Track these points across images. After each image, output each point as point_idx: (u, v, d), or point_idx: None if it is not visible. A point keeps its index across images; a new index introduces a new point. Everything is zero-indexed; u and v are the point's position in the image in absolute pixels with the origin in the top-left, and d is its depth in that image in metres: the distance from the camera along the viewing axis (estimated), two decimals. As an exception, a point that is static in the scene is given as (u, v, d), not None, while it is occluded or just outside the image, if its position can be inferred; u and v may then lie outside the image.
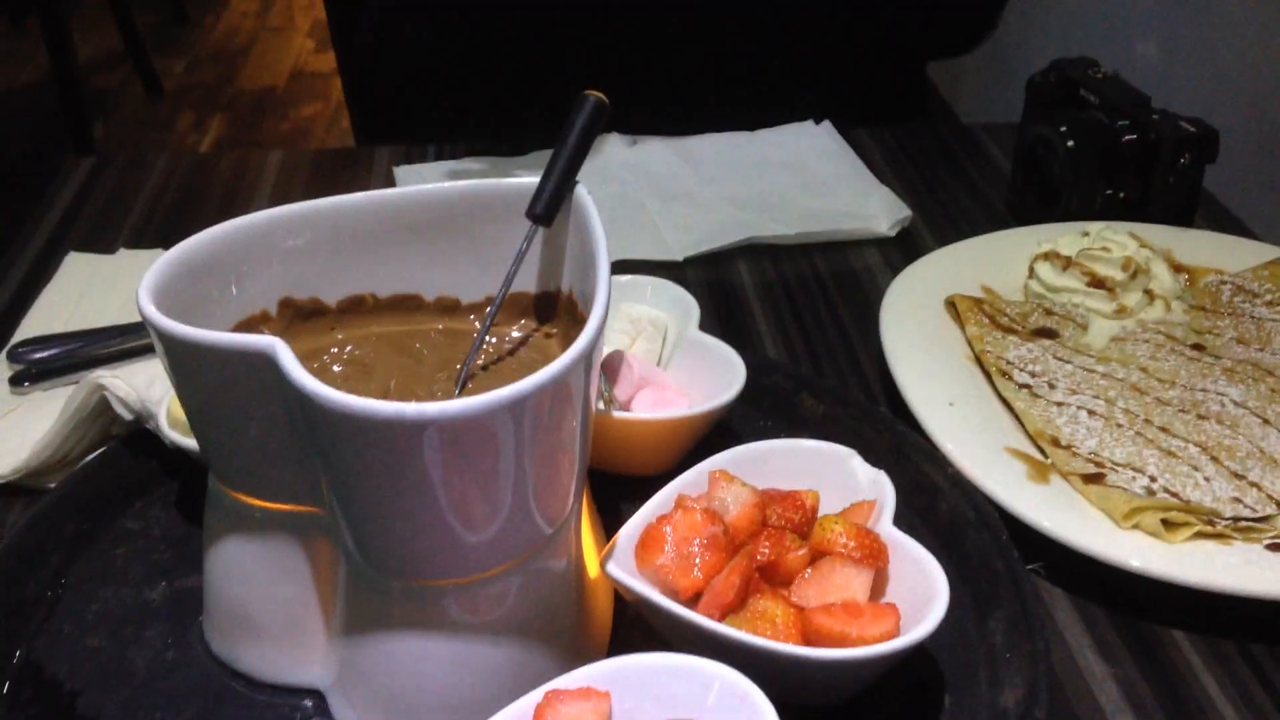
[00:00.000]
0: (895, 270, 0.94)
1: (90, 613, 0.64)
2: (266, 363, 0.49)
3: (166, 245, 0.95)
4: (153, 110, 3.91)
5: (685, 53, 1.18)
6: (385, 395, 0.60)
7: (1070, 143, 0.96)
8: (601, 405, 0.71)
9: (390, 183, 1.09)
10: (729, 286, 0.96)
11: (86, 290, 0.88)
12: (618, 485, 0.70)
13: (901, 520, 0.63)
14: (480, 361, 0.63)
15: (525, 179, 0.64)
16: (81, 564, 0.67)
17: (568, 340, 0.64)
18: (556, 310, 0.66)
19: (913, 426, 0.74)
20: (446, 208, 0.64)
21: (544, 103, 1.18)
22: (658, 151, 1.14)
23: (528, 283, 0.66)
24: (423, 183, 1.05)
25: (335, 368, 0.62)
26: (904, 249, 1.00)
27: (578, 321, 0.63)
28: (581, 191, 0.63)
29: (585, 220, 0.61)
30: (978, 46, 1.24)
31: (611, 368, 0.74)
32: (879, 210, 1.03)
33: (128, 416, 0.70)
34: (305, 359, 0.61)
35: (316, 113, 3.77)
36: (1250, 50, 1.30)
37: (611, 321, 0.79)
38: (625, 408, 0.72)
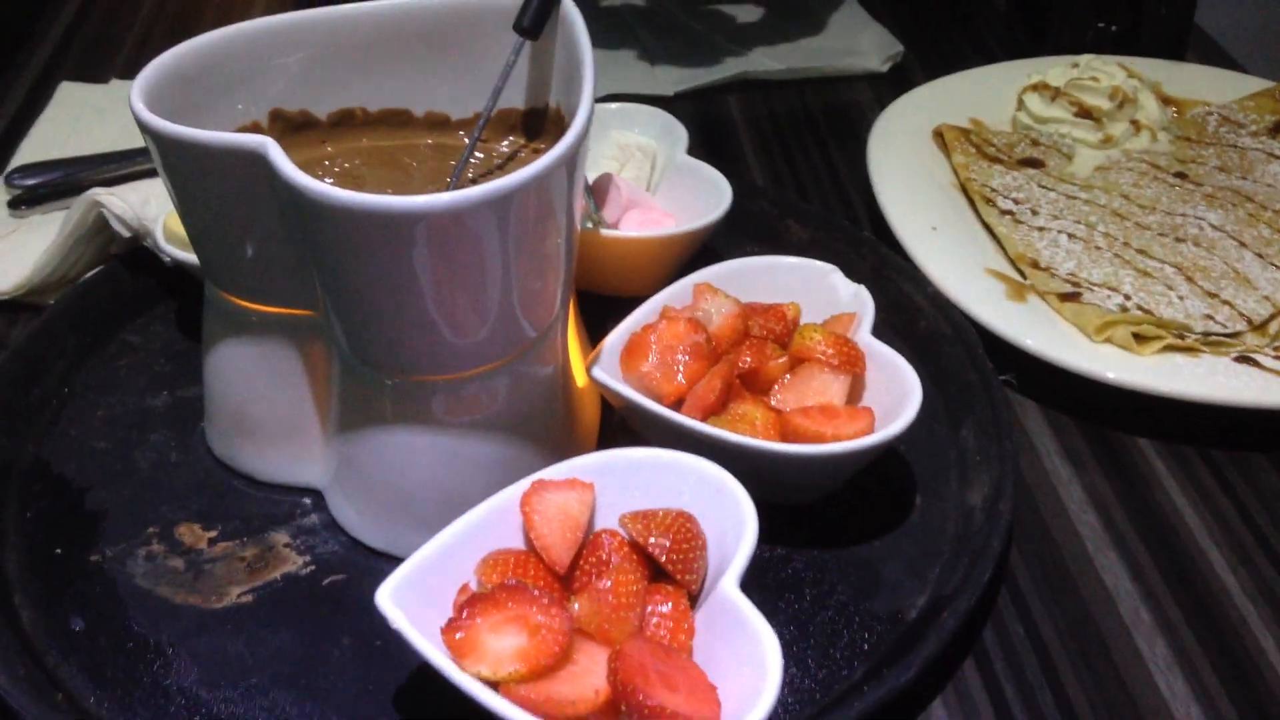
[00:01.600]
0: (885, 105, 0.94)
1: (95, 418, 0.66)
2: (258, 160, 0.51)
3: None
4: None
5: None
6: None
7: (1063, -26, 0.95)
8: (590, 225, 0.73)
9: None
10: (719, 121, 0.96)
11: (80, 119, 0.88)
12: (604, 303, 0.72)
13: (880, 334, 0.65)
14: (469, 175, 0.64)
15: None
16: (85, 373, 0.69)
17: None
18: (544, 125, 0.66)
19: (896, 250, 0.76)
20: (435, 20, 0.64)
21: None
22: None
23: (515, 98, 0.66)
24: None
25: (326, 179, 0.63)
26: (895, 85, 1.00)
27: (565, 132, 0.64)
28: (568, 4, 0.63)
29: (571, 33, 0.62)
30: None
31: (600, 190, 0.75)
32: (871, 46, 1.03)
33: (125, 233, 0.71)
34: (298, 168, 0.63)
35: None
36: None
37: (601, 147, 0.80)
38: (613, 228, 0.74)
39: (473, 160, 0.65)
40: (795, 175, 0.90)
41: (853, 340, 0.62)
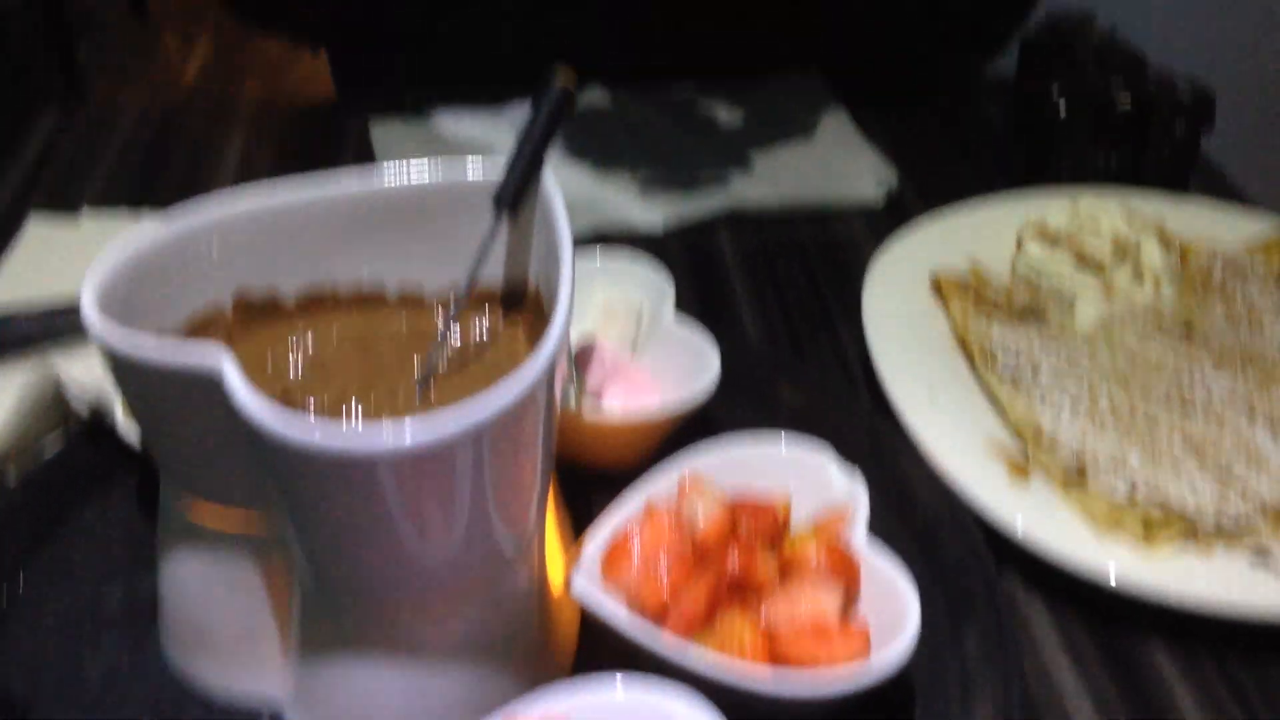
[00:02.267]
0: (880, 239, 0.91)
1: (47, 616, 0.62)
2: (213, 383, 0.47)
3: (133, 205, 0.93)
4: (138, 32, 3.83)
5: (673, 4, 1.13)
6: (343, 400, 0.58)
7: (1063, 105, 0.92)
8: (572, 396, 0.70)
9: (366, 140, 1.06)
10: (710, 256, 0.93)
11: (47, 259, 0.85)
12: (587, 480, 0.68)
13: (877, 519, 0.61)
14: (443, 359, 0.61)
15: (489, 166, 0.61)
16: (40, 562, 0.65)
17: (534, 335, 0.62)
18: (523, 303, 0.63)
19: (893, 415, 0.72)
20: (411, 198, 0.61)
21: (526, 42, 1.15)
22: (644, 104, 1.10)
23: (493, 273, 0.63)
24: (400, 142, 1.04)
25: (292, 366, 0.60)
26: (890, 216, 0.98)
27: (544, 316, 0.61)
28: (548, 180, 0.61)
29: (550, 211, 0.59)
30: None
31: (583, 357, 0.72)
32: (865, 174, 1.00)
33: (83, 413, 0.68)
34: (261, 359, 0.60)
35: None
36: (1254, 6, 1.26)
37: (585, 305, 0.77)
38: (596, 398, 0.70)
39: (449, 343, 0.61)
40: (788, 317, 0.87)
41: (846, 550, 0.59)
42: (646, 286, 0.77)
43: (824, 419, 0.73)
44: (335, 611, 0.53)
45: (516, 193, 0.60)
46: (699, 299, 0.88)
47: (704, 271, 0.92)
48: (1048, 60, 0.98)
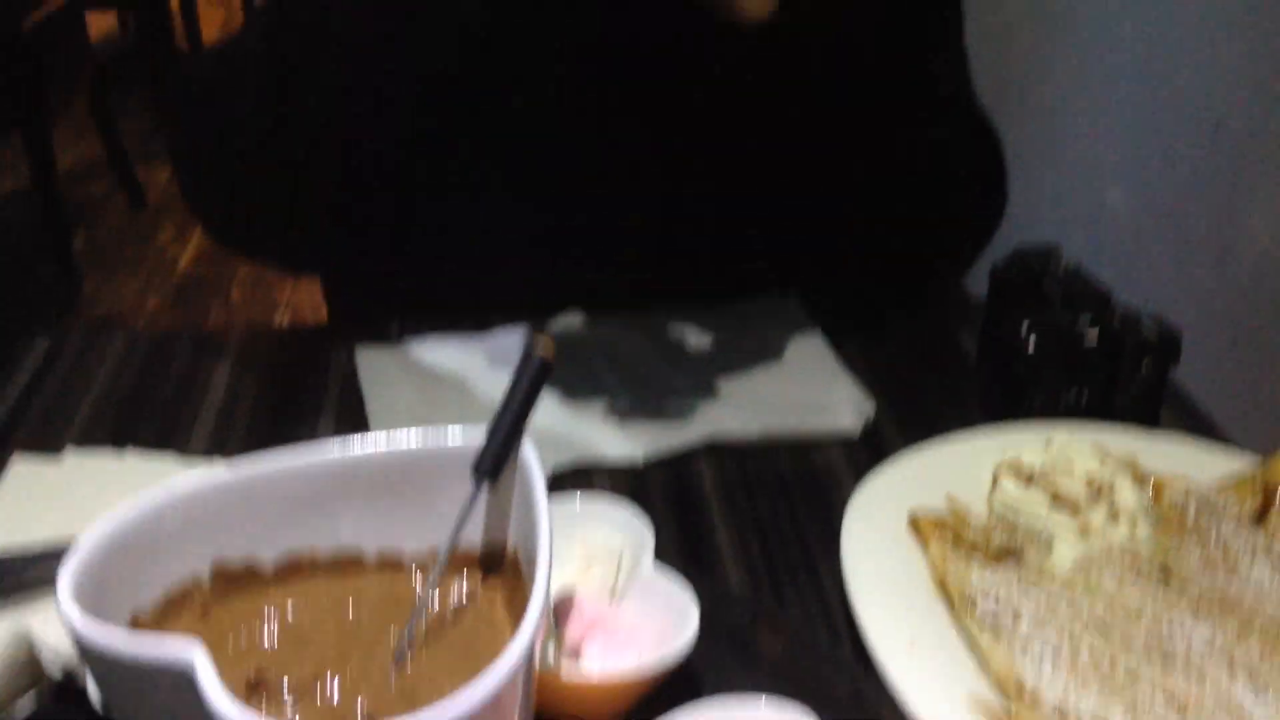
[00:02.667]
0: (859, 470, 0.93)
1: None
2: (186, 679, 0.47)
3: (117, 442, 0.94)
4: (135, 221, 3.92)
5: (656, 229, 1.17)
6: (320, 671, 0.58)
7: (1032, 343, 0.95)
8: (550, 653, 0.69)
9: (352, 364, 1.07)
10: (689, 488, 0.94)
11: (29, 501, 0.86)
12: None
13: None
14: (422, 629, 0.61)
15: (470, 434, 0.62)
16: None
17: (513, 600, 0.62)
18: (502, 568, 0.64)
19: (874, 665, 0.72)
20: (391, 467, 0.63)
21: (511, 271, 1.18)
22: (623, 330, 1.13)
23: (472, 538, 0.64)
24: (385, 369, 1.06)
25: (268, 637, 0.60)
26: (868, 446, 0.99)
27: (522, 579, 0.61)
28: (527, 449, 0.62)
29: (529, 480, 0.60)
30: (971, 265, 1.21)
31: (561, 608, 0.72)
32: (843, 404, 1.02)
33: (56, 675, 0.67)
34: (238, 626, 0.60)
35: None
36: (1221, 233, 1.31)
37: (564, 552, 0.77)
38: (575, 652, 0.70)
39: (427, 610, 0.62)
40: (768, 556, 0.87)
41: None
42: (626, 530, 0.78)
43: (805, 672, 0.72)
44: None
45: (496, 461, 0.61)
46: (679, 535, 0.89)
47: (683, 504, 0.92)
48: (1017, 294, 1.01)
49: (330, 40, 0.95)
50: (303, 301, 3.41)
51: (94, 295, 3.46)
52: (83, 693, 0.67)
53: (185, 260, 3.66)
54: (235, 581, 0.61)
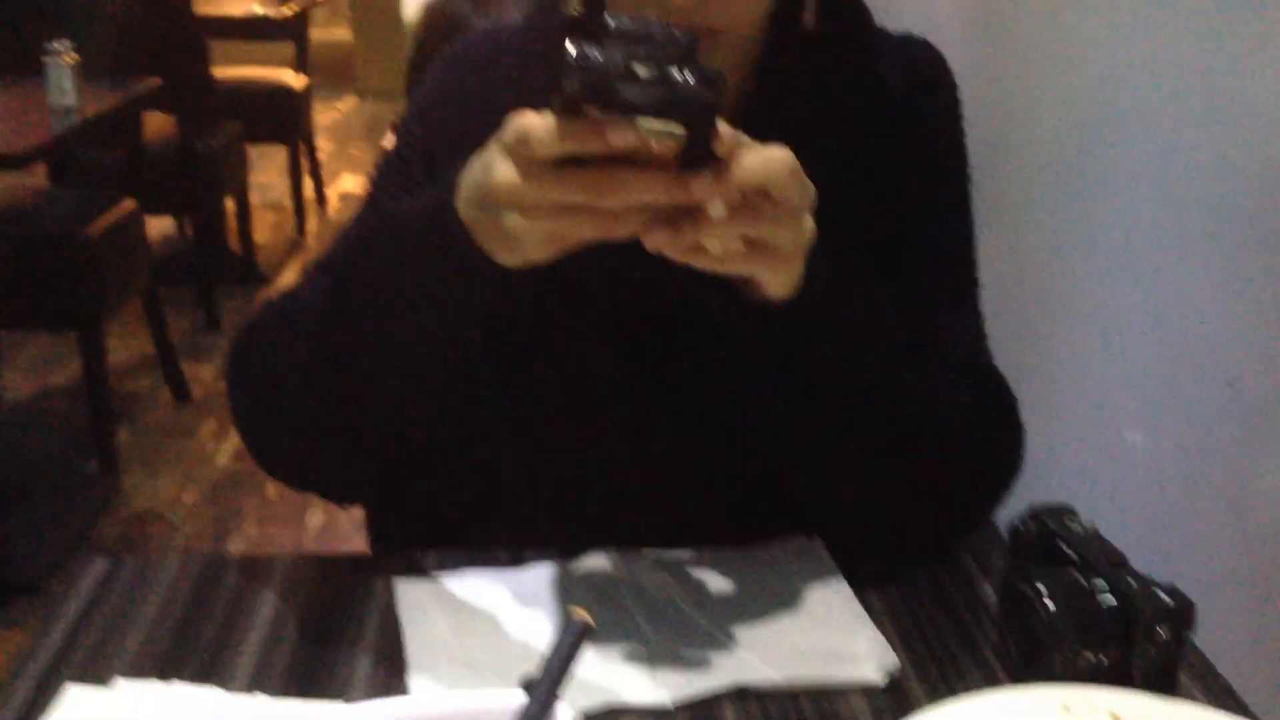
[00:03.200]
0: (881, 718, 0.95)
1: None
2: None
3: (163, 676, 0.98)
4: (178, 417, 4.03)
5: (685, 475, 1.22)
6: None
7: (1050, 605, 0.98)
8: None
9: (390, 595, 1.11)
10: (715, 737, 0.97)
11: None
12: None
13: None
14: None
15: (509, 697, 0.66)
16: None
17: None
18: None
19: None
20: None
21: (543, 504, 1.23)
22: (650, 570, 1.17)
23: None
24: (423, 602, 1.09)
25: None
26: (891, 696, 1.01)
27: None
28: (561, 712, 0.65)
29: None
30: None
31: None
32: (868, 655, 1.05)
33: None
34: None
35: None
36: (1232, 497, 1.35)
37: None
38: None
39: None
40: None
41: None
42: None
43: None
44: None
45: (534, 723, 0.65)
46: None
47: (709, 753, 0.95)
48: (1035, 552, 1.05)
49: (377, 312, 1.04)
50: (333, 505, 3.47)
51: (132, 490, 3.53)
52: None
53: (224, 456, 3.74)
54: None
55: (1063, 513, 1.08)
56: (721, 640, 1.07)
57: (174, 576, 1.16)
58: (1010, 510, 1.13)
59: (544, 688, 0.66)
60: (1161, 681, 0.98)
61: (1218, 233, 1.53)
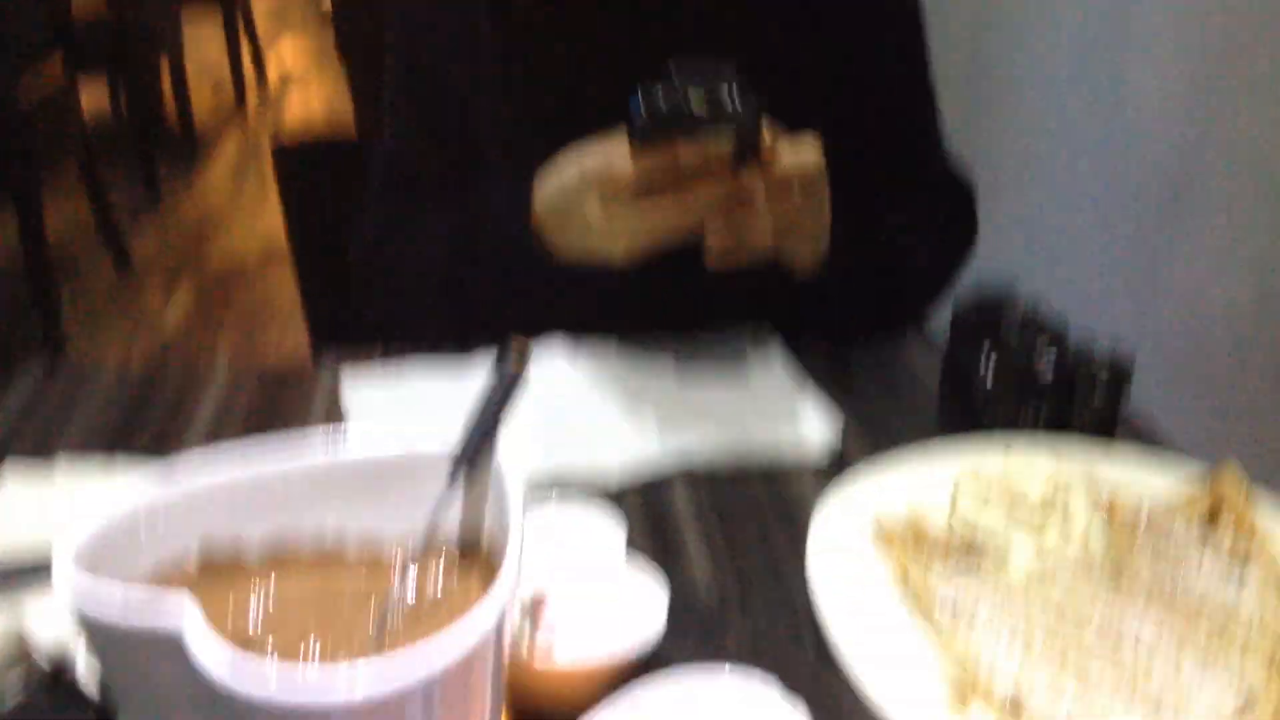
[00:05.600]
0: (826, 490, 0.96)
1: None
2: (174, 640, 0.50)
3: (107, 456, 0.97)
4: (120, 282, 3.96)
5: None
6: (301, 651, 0.60)
7: (989, 380, 0.99)
8: (523, 645, 0.72)
9: (336, 393, 1.11)
10: (661, 507, 0.97)
11: (19, 509, 0.89)
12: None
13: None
14: (399, 611, 0.63)
15: (446, 438, 0.66)
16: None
17: (487, 589, 0.65)
18: (477, 558, 0.67)
19: (835, 653, 0.75)
20: (372, 465, 0.66)
21: (498, 300, 1.22)
22: (600, 356, 1.17)
23: (449, 530, 0.67)
24: (369, 396, 1.09)
25: (252, 622, 0.62)
26: (835, 468, 1.02)
27: (496, 570, 0.64)
28: (501, 450, 0.65)
29: (503, 476, 0.64)
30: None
31: (534, 601, 0.75)
32: (812, 430, 1.06)
33: (45, 666, 0.69)
34: (222, 613, 0.63)
35: (285, 279, 3.82)
36: (1180, 259, 1.36)
37: (537, 552, 0.80)
38: (547, 645, 0.73)
39: (404, 597, 0.64)
40: (735, 560, 0.90)
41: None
42: (599, 532, 0.81)
43: (769, 658, 0.75)
44: None
45: (471, 460, 0.65)
46: (651, 546, 0.92)
47: (657, 521, 0.95)
48: (976, 331, 1.06)
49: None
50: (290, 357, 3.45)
51: (79, 357, 3.48)
52: (73, 686, 0.70)
53: (172, 319, 3.70)
54: (221, 567, 0.64)
55: (1004, 289, 1.08)
56: (671, 423, 1.08)
57: (113, 384, 1.14)
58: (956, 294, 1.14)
59: (483, 416, 0.66)
60: (1101, 431, 1.00)
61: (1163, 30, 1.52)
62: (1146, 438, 1.06)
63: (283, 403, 1.11)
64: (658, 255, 1.05)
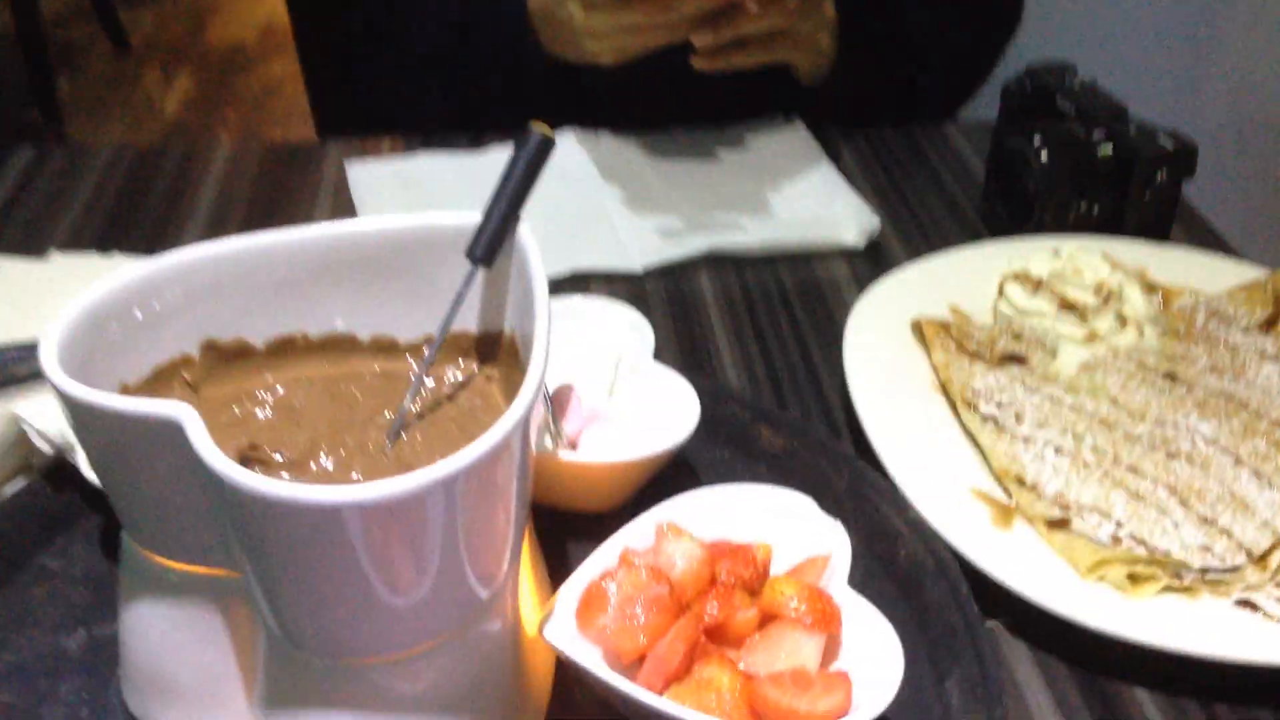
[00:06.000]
0: (862, 283, 0.91)
1: (3, 663, 0.61)
2: (175, 432, 0.46)
3: (102, 247, 0.92)
4: (119, 66, 3.83)
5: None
6: (314, 446, 0.56)
7: (1044, 156, 0.92)
8: (549, 442, 0.68)
9: (343, 178, 1.05)
10: (689, 298, 0.93)
11: (13, 300, 0.84)
12: (565, 522, 0.67)
13: (859, 565, 0.61)
14: (416, 408, 0.59)
15: (465, 216, 0.60)
16: (-2, 607, 0.64)
17: (509, 384, 0.61)
18: (498, 352, 0.62)
19: (874, 463, 0.72)
20: (382, 246, 0.60)
21: (506, 87, 1.14)
22: (619, 148, 1.10)
23: (468, 323, 0.62)
24: (377, 184, 1.03)
25: (260, 413, 0.58)
26: (872, 260, 0.97)
27: (519, 365, 0.59)
28: (524, 232, 0.60)
29: (526, 263, 0.58)
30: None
31: (559, 401, 0.71)
32: (847, 219, 1.00)
33: (47, 450, 0.66)
34: (229, 404, 0.58)
35: (286, 69, 3.69)
36: (1233, 54, 1.27)
37: (562, 349, 0.76)
38: (573, 444, 0.69)
39: (422, 391, 0.60)
40: (769, 362, 0.86)
41: (827, 594, 0.58)
42: (625, 330, 0.77)
43: (804, 463, 0.72)
44: (301, 668, 0.51)
45: (491, 245, 0.59)
46: (678, 341, 0.87)
47: (683, 313, 0.91)
48: (1029, 110, 0.98)
49: None
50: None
51: (80, 141, 3.39)
52: (74, 471, 0.67)
53: (172, 106, 3.58)
54: (225, 358, 0.59)
55: (1061, 68, 1.00)
56: (696, 211, 1.02)
57: (110, 160, 1.08)
58: (1005, 74, 1.06)
59: (504, 200, 0.60)
60: (1155, 231, 0.94)
61: None
62: (1201, 238, 1.00)
63: (286, 188, 1.05)
64: (651, 58, 0.99)
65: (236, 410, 0.58)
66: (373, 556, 0.46)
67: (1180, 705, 0.62)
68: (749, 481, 0.67)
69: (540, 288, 0.56)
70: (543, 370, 0.51)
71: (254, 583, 0.49)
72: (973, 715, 0.57)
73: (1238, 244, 0.99)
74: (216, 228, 0.99)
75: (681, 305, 0.92)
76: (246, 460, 0.55)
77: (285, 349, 0.61)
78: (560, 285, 0.92)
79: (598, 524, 0.64)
